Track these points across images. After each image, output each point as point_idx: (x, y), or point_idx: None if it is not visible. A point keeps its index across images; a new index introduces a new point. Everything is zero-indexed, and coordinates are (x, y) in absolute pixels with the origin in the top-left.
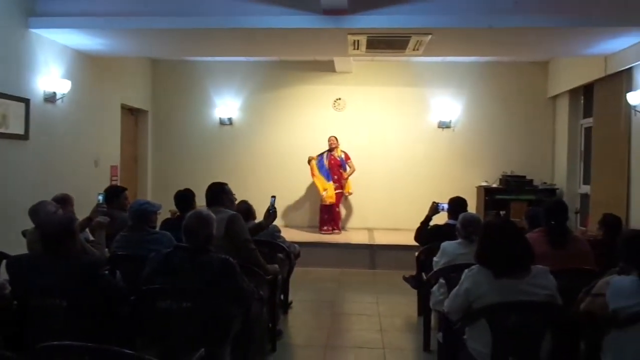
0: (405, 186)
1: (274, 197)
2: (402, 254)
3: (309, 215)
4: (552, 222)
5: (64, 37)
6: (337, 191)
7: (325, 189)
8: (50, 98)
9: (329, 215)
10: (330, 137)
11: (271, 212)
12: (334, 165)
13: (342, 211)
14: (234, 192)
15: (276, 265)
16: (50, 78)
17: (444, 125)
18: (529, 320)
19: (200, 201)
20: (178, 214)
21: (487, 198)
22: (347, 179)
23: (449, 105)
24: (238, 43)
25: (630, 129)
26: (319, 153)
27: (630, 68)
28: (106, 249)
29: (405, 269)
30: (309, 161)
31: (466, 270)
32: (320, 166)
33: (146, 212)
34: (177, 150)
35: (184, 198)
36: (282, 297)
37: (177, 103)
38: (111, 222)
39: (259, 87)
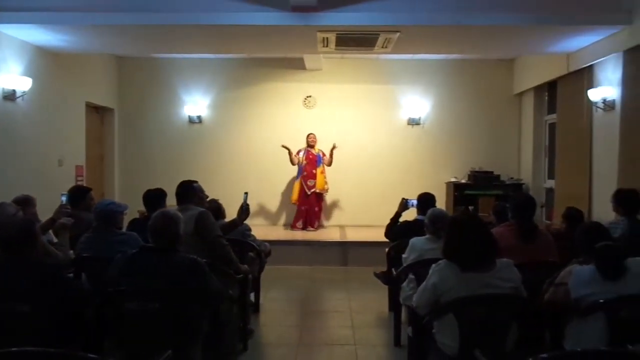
0: (376, 183)
1: (246, 193)
2: (373, 250)
3: (281, 213)
4: (521, 217)
5: (24, 33)
6: (311, 190)
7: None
8: (10, 96)
9: (305, 213)
10: (309, 134)
11: (244, 209)
12: (310, 162)
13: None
14: (204, 190)
15: (246, 265)
16: (9, 75)
17: (413, 122)
18: (494, 312)
19: (172, 201)
20: (146, 214)
21: (456, 194)
22: (330, 161)
23: (418, 102)
24: (206, 40)
25: (592, 124)
26: (297, 151)
27: (591, 65)
28: (70, 251)
29: (376, 265)
30: (293, 163)
31: (433, 265)
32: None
33: (112, 213)
34: (145, 149)
35: (153, 198)
36: (253, 296)
37: (145, 101)
38: (75, 223)
39: (228, 84)
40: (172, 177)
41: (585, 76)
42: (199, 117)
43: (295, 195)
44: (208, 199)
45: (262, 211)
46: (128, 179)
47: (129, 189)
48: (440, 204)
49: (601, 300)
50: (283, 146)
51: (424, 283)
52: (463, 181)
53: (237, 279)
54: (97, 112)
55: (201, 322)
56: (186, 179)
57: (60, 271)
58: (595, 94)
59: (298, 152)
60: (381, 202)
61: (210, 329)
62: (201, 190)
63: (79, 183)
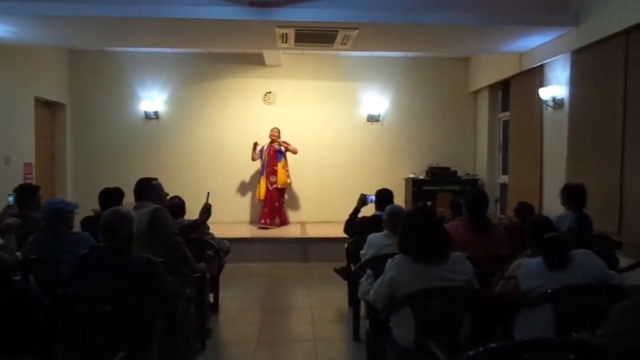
0: (337, 179)
1: (208, 192)
2: (333, 246)
3: (243, 211)
4: (474, 212)
5: None
6: (273, 186)
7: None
8: None
9: (267, 210)
10: (272, 128)
11: (207, 209)
12: (272, 157)
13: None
14: (163, 188)
15: (203, 263)
16: None
17: (373, 119)
18: (449, 305)
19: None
20: (101, 213)
21: (414, 189)
22: (288, 152)
23: (377, 99)
24: (162, 34)
25: (542, 122)
26: (261, 146)
27: (542, 65)
28: (18, 253)
29: (336, 261)
30: (253, 159)
31: (389, 260)
32: (262, 160)
33: (62, 212)
34: (100, 146)
35: (110, 197)
36: (212, 295)
37: (99, 96)
38: (23, 223)
39: (186, 79)
40: (128, 175)
41: (536, 75)
42: (155, 113)
43: (261, 192)
44: (171, 196)
45: (223, 209)
46: (81, 178)
47: (82, 188)
48: (400, 199)
49: (549, 291)
50: (255, 143)
51: (380, 278)
52: (421, 177)
53: (194, 277)
54: (47, 108)
55: (156, 323)
56: (145, 177)
57: (6, 274)
58: (545, 93)
59: (261, 149)
60: (341, 198)
61: (166, 329)
62: (160, 188)
63: (28, 182)
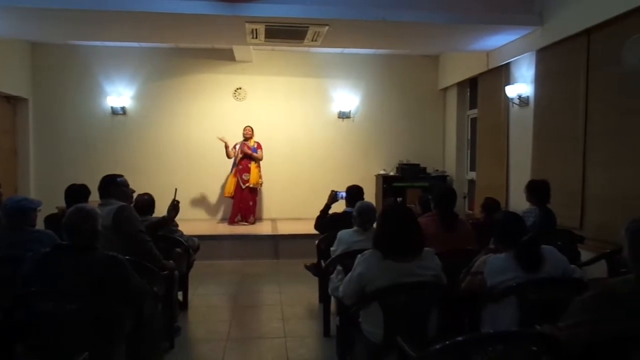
0: (308, 176)
1: (176, 189)
2: (305, 242)
3: (214, 208)
4: (442, 208)
5: None
6: (246, 185)
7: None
8: None
9: (241, 209)
10: (245, 126)
11: (174, 205)
12: (244, 155)
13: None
14: (129, 185)
15: (172, 261)
16: None
17: (344, 116)
18: (417, 300)
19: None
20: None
21: (385, 186)
22: (258, 165)
23: (348, 96)
24: (129, 27)
25: (509, 119)
26: (233, 145)
27: (508, 63)
28: None
29: (308, 257)
30: (229, 156)
31: (359, 256)
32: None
33: (24, 210)
34: (65, 142)
35: (76, 194)
36: (181, 293)
37: (63, 91)
38: None
39: (154, 74)
40: (94, 172)
41: (503, 73)
42: (122, 108)
43: (229, 189)
44: (139, 193)
45: (194, 206)
46: (45, 175)
47: (46, 185)
48: (370, 195)
49: (513, 285)
50: (220, 138)
51: (350, 273)
52: (391, 173)
53: (162, 275)
54: (8, 102)
55: (123, 322)
56: (110, 173)
57: None
58: (511, 91)
59: (235, 146)
60: (312, 195)
61: (133, 328)
62: (125, 185)
63: None
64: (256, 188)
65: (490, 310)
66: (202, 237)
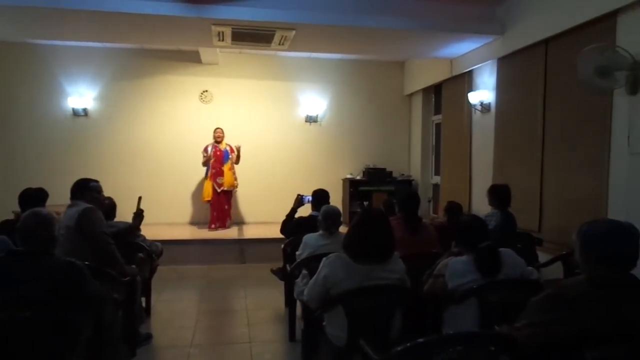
0: (275, 180)
1: (140, 197)
2: (271, 247)
3: (178, 212)
4: (406, 211)
5: None
6: (220, 189)
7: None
8: None
9: (217, 213)
10: (216, 128)
11: (138, 213)
12: (218, 158)
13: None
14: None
15: (134, 266)
16: None
17: (311, 120)
18: (380, 303)
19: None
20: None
21: (351, 190)
22: (237, 159)
23: (315, 100)
24: (91, 27)
25: (471, 125)
26: (204, 147)
27: (471, 70)
28: None
29: (274, 262)
30: (205, 164)
31: (324, 259)
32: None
33: None
34: (22, 145)
35: (31, 198)
36: (144, 299)
37: (20, 91)
38: None
39: (118, 76)
40: (53, 176)
41: (466, 80)
42: (84, 109)
43: (206, 193)
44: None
45: (158, 210)
46: (1, 178)
47: (1, 189)
48: (337, 199)
49: (474, 287)
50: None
51: (315, 276)
52: (358, 177)
53: (123, 281)
54: None
55: (80, 329)
56: (85, 177)
57: None
58: (474, 97)
59: (205, 149)
60: (280, 199)
61: (92, 335)
62: (97, 191)
63: None
64: (231, 191)
65: (451, 312)
66: (167, 242)
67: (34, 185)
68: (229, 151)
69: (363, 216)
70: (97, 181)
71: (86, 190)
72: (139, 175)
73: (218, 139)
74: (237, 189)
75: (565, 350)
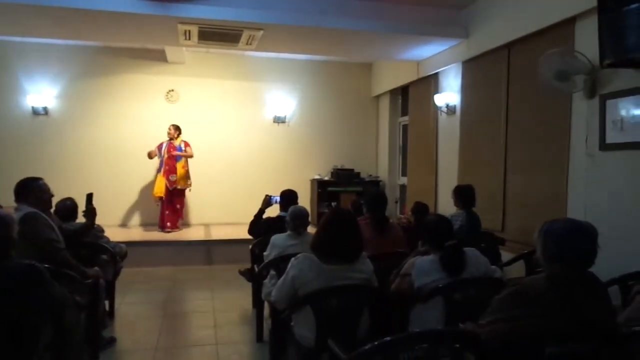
0: (243, 180)
1: (90, 194)
2: (239, 247)
3: (141, 213)
4: (373, 212)
5: None
6: (173, 186)
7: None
8: None
9: (169, 212)
10: (169, 125)
11: (88, 211)
12: (171, 155)
13: (186, 206)
14: (48, 189)
15: (96, 268)
16: None
17: (279, 120)
18: (347, 303)
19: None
20: None
21: (319, 190)
22: (184, 163)
23: (284, 100)
24: (52, 23)
25: (437, 127)
26: (158, 144)
27: (437, 73)
28: None
29: (242, 262)
30: (150, 156)
31: (292, 259)
32: (161, 157)
33: None
34: None
35: None
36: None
37: None
38: None
39: (80, 73)
40: (11, 176)
41: (432, 82)
42: (45, 108)
43: (157, 190)
44: (63, 198)
45: (122, 211)
46: None
47: None
48: (305, 200)
49: (439, 285)
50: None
51: (283, 277)
52: (326, 178)
53: (86, 284)
54: None
55: (39, 332)
56: (29, 177)
57: None
58: (439, 99)
59: (159, 146)
60: (248, 199)
61: (53, 339)
62: (41, 190)
63: None
64: (184, 190)
65: (418, 311)
66: (131, 243)
67: None
68: (184, 146)
69: (332, 217)
70: (41, 179)
71: (30, 190)
72: (102, 175)
73: (170, 136)
74: (190, 188)
75: (526, 347)
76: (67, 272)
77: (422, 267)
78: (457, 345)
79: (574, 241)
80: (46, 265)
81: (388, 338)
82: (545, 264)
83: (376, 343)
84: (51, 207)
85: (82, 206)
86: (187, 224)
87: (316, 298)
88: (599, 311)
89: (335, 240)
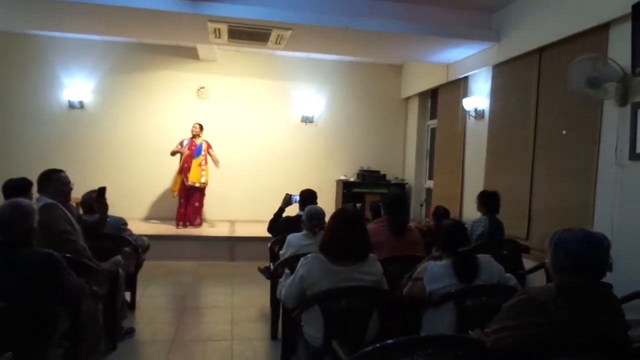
0: (269, 178)
1: (101, 188)
2: (262, 245)
3: (169, 208)
4: (392, 214)
5: None
6: (187, 184)
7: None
8: None
9: (185, 209)
10: (194, 124)
11: (100, 204)
12: (191, 152)
13: (206, 203)
14: (68, 182)
15: (119, 257)
16: None
17: (307, 120)
18: (356, 304)
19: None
20: None
21: (345, 191)
22: (211, 157)
23: (312, 101)
24: (89, 19)
25: (465, 131)
26: (179, 141)
27: (467, 76)
28: None
29: (265, 260)
30: (173, 154)
31: (302, 259)
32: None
33: None
34: (16, 136)
35: (14, 188)
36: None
37: (16, 81)
38: None
39: (115, 69)
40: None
41: (461, 86)
42: (80, 102)
43: (175, 187)
44: (89, 190)
45: (150, 205)
46: None
47: None
48: (330, 200)
49: (452, 291)
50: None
51: (292, 276)
52: (352, 179)
53: (103, 274)
54: None
55: (57, 321)
56: (51, 168)
57: None
58: (468, 103)
59: (181, 142)
60: (274, 198)
61: (70, 328)
62: (61, 181)
63: None
64: (201, 188)
65: (429, 316)
66: (157, 237)
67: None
68: (204, 148)
69: (337, 217)
70: (62, 171)
71: (50, 181)
72: (133, 169)
73: (194, 133)
74: (206, 186)
75: (533, 355)
76: (84, 261)
77: (434, 272)
78: (461, 353)
79: (585, 251)
80: (67, 255)
81: (389, 341)
82: (555, 273)
83: (377, 345)
84: (69, 199)
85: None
86: (211, 221)
87: (324, 298)
88: (609, 322)
89: (340, 240)
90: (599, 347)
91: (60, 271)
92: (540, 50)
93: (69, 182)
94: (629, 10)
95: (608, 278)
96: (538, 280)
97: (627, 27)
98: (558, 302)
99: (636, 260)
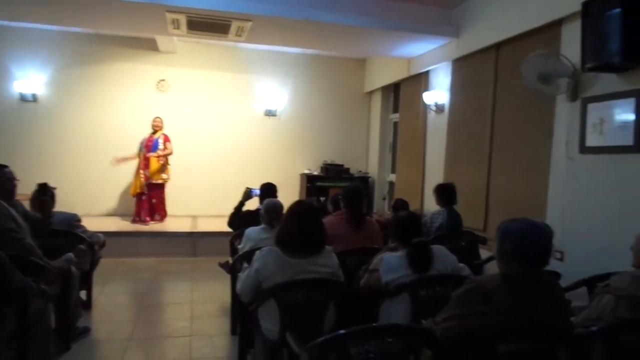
0: (232, 172)
1: (40, 185)
2: (223, 240)
3: (126, 203)
4: (350, 207)
5: None
6: (147, 181)
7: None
8: None
9: (144, 206)
10: (155, 117)
11: (40, 202)
12: (147, 148)
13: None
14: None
15: (70, 255)
16: None
17: (270, 114)
18: (312, 296)
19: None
20: None
21: (308, 185)
22: (159, 157)
23: (275, 94)
24: (40, 8)
25: (426, 125)
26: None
27: (428, 71)
28: None
29: (226, 255)
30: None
31: (257, 252)
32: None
33: None
34: None
35: None
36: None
37: None
38: None
39: (70, 60)
40: None
41: (422, 80)
42: (33, 95)
43: (135, 187)
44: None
45: (107, 200)
46: None
47: None
48: (294, 194)
49: (406, 282)
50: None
51: (248, 270)
52: (316, 173)
53: (57, 273)
54: None
55: (3, 322)
56: None
57: None
58: (429, 97)
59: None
60: (236, 192)
61: (18, 329)
62: (5, 178)
63: None
64: (162, 184)
65: (386, 306)
66: (117, 234)
67: None
68: (164, 140)
69: (293, 209)
70: (6, 167)
71: None
72: (90, 164)
73: (156, 127)
74: (167, 182)
75: (479, 343)
76: (34, 260)
77: (390, 263)
78: (411, 341)
79: (529, 240)
80: (12, 254)
81: (342, 331)
82: (501, 262)
83: (329, 336)
84: (15, 195)
85: (70, 195)
86: (173, 216)
87: (280, 291)
88: (553, 310)
89: (296, 232)
90: (543, 334)
91: (5, 270)
92: (498, 46)
93: (14, 178)
94: (579, 7)
95: (559, 267)
96: (494, 270)
97: (578, 24)
98: (502, 291)
99: (585, 249)
